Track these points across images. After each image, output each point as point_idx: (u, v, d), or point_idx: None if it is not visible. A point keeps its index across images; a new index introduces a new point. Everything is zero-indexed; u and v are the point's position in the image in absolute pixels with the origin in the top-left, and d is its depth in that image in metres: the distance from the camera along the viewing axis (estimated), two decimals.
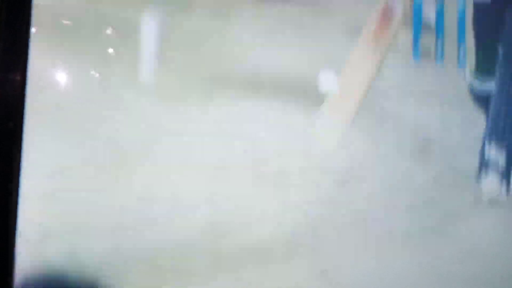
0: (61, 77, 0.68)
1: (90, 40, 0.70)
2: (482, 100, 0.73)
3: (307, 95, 0.70)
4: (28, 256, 0.64)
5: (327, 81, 0.69)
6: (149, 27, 0.71)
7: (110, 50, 0.70)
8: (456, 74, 0.74)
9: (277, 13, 0.71)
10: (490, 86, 0.73)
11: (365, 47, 0.71)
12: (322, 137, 0.70)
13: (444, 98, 0.72)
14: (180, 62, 0.71)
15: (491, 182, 0.71)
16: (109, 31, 0.70)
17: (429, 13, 0.73)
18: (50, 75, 0.67)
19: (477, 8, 0.72)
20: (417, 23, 0.72)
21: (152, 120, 0.72)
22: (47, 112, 0.66)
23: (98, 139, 0.70)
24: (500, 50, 0.72)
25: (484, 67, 0.73)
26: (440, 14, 0.73)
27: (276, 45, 0.71)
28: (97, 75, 0.69)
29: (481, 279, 0.70)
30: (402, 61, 0.72)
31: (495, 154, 0.71)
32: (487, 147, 0.71)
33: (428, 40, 0.73)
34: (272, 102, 0.69)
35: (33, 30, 0.65)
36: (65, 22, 0.69)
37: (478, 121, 0.73)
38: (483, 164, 0.71)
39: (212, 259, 0.67)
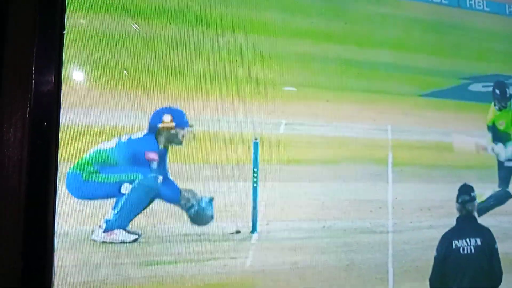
0: (94, 77, 0.69)
1: (121, 41, 0.71)
2: None
3: None
4: (66, 251, 0.65)
5: None
6: None
7: (140, 49, 0.71)
8: None
9: None
10: None
11: None
12: None
13: None
14: None
15: None
16: (135, 27, 0.71)
17: None
18: (83, 76, 0.68)
19: None
20: None
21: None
22: (81, 111, 0.67)
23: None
24: None
25: None
26: None
27: None
28: (127, 73, 0.70)
29: None
30: None
31: None
32: None
33: None
34: None
35: (65, 32, 0.66)
36: (96, 23, 0.70)
37: None
38: None
39: None
